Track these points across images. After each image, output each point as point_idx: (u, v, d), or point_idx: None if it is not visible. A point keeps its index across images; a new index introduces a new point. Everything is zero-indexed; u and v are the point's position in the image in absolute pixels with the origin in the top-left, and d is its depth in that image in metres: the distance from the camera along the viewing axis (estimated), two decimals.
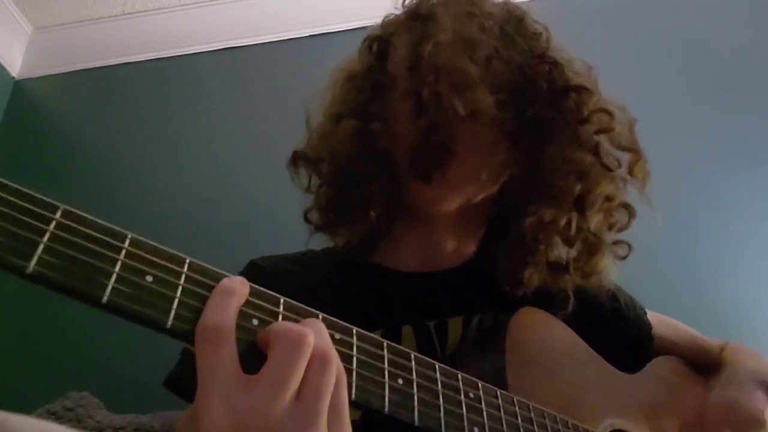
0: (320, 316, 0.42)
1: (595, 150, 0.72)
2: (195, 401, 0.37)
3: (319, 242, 0.88)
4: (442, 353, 0.72)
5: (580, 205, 0.72)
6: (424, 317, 0.74)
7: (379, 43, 0.80)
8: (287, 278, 0.78)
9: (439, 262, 0.80)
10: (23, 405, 0.55)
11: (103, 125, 1.79)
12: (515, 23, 0.75)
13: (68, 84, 1.87)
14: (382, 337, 0.70)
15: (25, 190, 0.34)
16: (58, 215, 0.34)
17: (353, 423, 0.66)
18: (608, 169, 0.73)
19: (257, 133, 1.70)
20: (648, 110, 1.48)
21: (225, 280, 0.39)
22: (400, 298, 0.76)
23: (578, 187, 0.72)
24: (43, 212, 0.34)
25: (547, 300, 0.75)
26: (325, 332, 0.40)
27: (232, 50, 1.84)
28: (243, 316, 0.39)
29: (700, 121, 1.50)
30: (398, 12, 0.82)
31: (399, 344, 0.47)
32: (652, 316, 0.90)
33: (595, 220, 0.74)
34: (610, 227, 0.77)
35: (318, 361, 0.38)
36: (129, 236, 0.37)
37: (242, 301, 0.39)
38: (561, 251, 0.75)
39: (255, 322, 0.40)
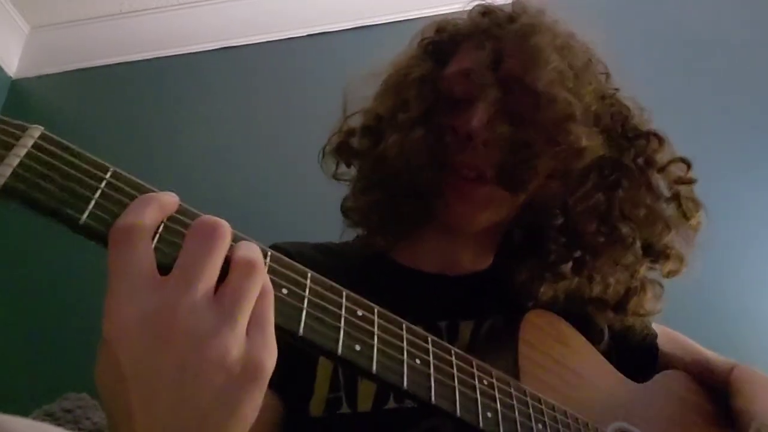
0: (344, 293, 0.42)
1: (677, 199, 0.75)
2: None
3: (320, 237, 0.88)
4: None
5: (655, 254, 0.74)
6: (436, 317, 0.74)
7: (437, 48, 0.80)
8: (308, 263, 0.77)
9: (456, 267, 0.81)
10: (21, 406, 0.55)
11: (101, 125, 1.79)
12: (589, 62, 0.77)
13: (66, 83, 1.87)
14: None
15: (82, 151, 0.37)
16: (108, 175, 0.37)
17: (364, 414, 0.66)
18: (687, 218, 0.74)
19: (257, 133, 1.70)
20: (651, 111, 1.49)
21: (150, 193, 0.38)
22: (415, 297, 0.75)
23: (665, 238, 0.73)
24: (96, 171, 0.37)
25: (583, 329, 0.75)
26: (255, 248, 0.38)
27: (231, 49, 1.84)
28: (272, 282, 0.38)
29: (705, 122, 1.50)
30: (454, 15, 0.82)
31: None
32: (657, 328, 0.90)
33: (668, 268, 0.76)
34: (668, 275, 0.78)
35: (243, 267, 0.36)
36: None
37: (168, 210, 0.37)
38: (602, 287, 0.75)
39: (284, 291, 0.40)
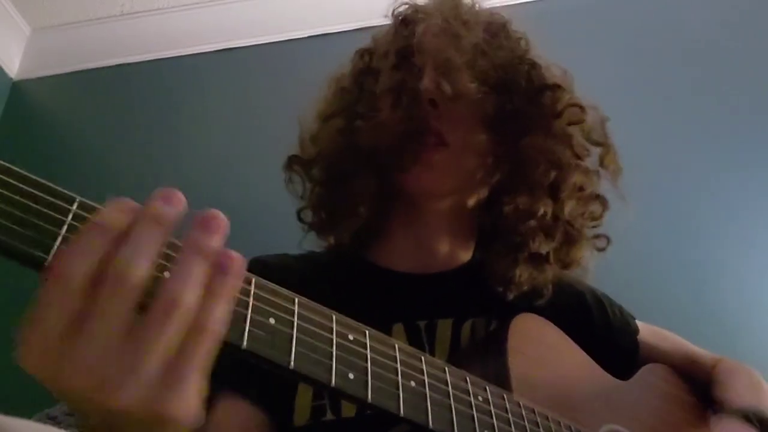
0: (334, 317, 0.41)
1: (568, 141, 0.77)
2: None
3: (312, 241, 0.90)
4: (431, 354, 0.72)
5: (554, 193, 0.77)
6: (415, 317, 0.75)
7: (370, 53, 0.85)
8: (287, 273, 0.79)
9: (432, 264, 0.82)
10: (23, 409, 0.55)
11: (102, 127, 1.79)
12: (498, 27, 0.82)
13: (66, 85, 1.86)
14: None
15: (43, 181, 0.34)
16: (74, 207, 0.34)
17: (349, 420, 0.67)
18: (578, 156, 0.78)
19: (256, 134, 1.69)
20: (651, 113, 1.48)
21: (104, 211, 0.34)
22: (393, 297, 0.78)
23: (552, 176, 0.76)
24: (61, 203, 0.34)
25: (528, 294, 0.78)
26: (182, 280, 0.34)
27: (232, 51, 1.84)
28: (259, 310, 0.37)
29: (703, 123, 1.50)
30: (388, 23, 0.88)
31: None
32: (641, 325, 0.91)
33: (569, 208, 0.78)
34: (583, 216, 0.81)
35: (163, 306, 0.32)
36: None
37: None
38: (542, 244, 0.79)
39: (272, 320, 0.38)
